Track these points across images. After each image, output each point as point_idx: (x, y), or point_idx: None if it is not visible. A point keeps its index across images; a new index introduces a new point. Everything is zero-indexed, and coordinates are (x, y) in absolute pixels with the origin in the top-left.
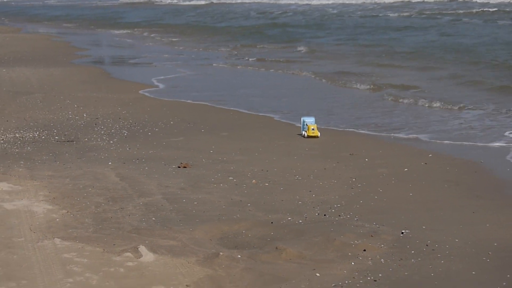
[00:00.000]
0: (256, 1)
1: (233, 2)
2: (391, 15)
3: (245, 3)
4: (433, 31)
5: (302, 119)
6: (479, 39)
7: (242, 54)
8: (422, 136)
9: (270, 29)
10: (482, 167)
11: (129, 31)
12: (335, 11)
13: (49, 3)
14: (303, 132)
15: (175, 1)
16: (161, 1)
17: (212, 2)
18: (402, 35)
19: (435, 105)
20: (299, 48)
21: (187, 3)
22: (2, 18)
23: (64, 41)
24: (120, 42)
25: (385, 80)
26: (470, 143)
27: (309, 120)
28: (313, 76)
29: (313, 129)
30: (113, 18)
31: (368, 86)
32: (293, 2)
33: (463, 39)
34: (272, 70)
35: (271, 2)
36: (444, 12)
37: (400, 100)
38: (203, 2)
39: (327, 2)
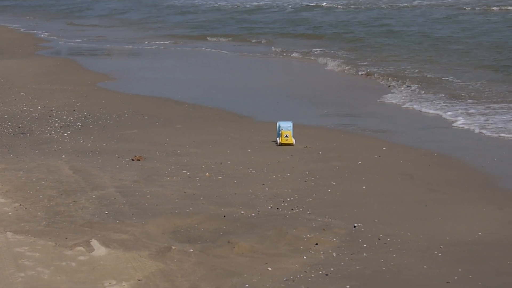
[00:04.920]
0: None
1: None
2: None
3: None
4: None
5: (278, 123)
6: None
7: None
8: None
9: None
10: (436, 161)
11: (89, 23)
12: None
13: None
14: (277, 139)
15: None
16: None
17: None
18: None
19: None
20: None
21: None
22: None
23: (26, 33)
24: (80, 33)
25: None
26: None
27: (285, 125)
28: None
29: (286, 136)
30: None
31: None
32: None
33: None
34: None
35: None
36: None
37: None
38: None
39: None
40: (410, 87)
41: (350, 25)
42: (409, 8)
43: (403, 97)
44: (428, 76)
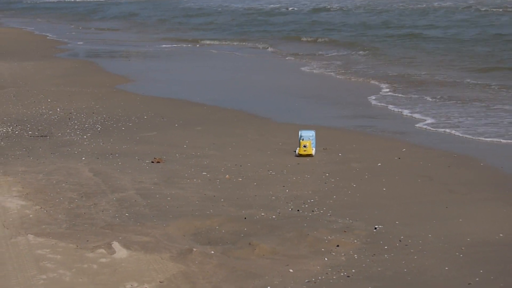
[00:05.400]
0: None
1: None
2: None
3: None
4: None
5: (299, 132)
6: None
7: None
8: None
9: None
10: (455, 162)
11: (104, 25)
12: None
13: None
14: (297, 149)
15: None
16: None
17: None
18: None
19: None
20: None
21: None
22: None
23: (42, 35)
24: (96, 36)
25: None
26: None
27: (306, 135)
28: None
29: (305, 146)
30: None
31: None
32: None
33: None
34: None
35: None
36: None
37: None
38: None
39: None
40: (396, 89)
41: (369, 27)
42: (432, 9)
43: (396, 101)
44: (439, 79)
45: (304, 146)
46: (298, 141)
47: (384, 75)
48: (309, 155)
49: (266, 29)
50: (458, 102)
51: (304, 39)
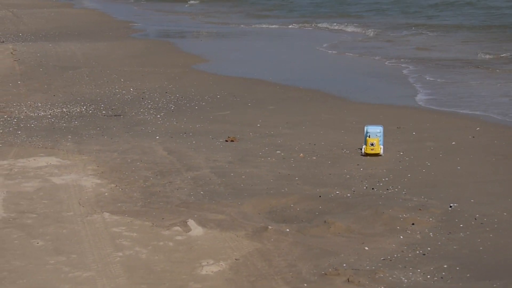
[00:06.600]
0: None
1: None
2: None
3: None
4: None
5: (365, 128)
6: None
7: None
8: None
9: None
10: None
11: (173, 6)
12: None
13: None
14: (363, 147)
15: None
16: None
17: None
18: None
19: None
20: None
21: None
22: None
23: (112, 16)
24: (166, 16)
25: None
26: None
27: (373, 131)
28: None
29: (372, 144)
30: None
31: None
32: None
33: None
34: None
35: None
36: None
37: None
38: None
39: None
40: None
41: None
42: None
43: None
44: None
45: (372, 144)
46: (364, 138)
47: (456, 58)
48: (377, 155)
49: (344, 10)
50: None
51: (384, 20)
